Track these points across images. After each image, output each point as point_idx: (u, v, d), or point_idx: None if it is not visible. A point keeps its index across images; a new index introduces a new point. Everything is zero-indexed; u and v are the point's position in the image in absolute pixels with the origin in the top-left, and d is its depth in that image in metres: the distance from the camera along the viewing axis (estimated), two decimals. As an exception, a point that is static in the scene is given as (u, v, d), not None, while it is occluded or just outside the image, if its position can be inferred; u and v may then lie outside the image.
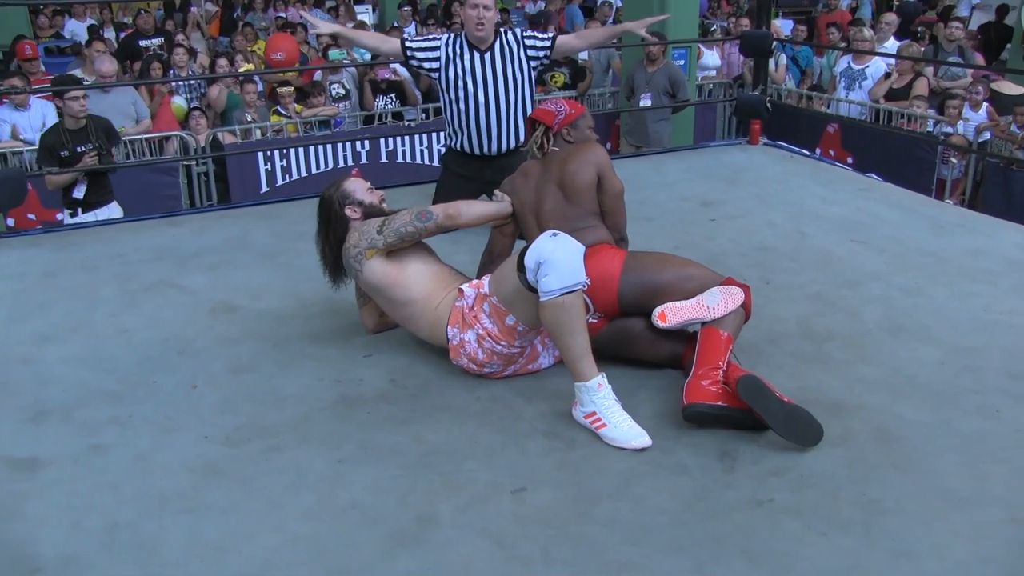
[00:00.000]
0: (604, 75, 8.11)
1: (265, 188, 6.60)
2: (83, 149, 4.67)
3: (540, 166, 2.87)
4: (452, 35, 3.87)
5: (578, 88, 7.74)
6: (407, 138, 6.90)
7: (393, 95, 7.53)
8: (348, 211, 2.78)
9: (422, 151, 7.05)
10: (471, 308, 2.58)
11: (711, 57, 8.00)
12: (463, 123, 3.86)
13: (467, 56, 3.78)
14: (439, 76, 3.84)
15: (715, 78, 8.10)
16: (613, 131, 7.58)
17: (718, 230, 3.93)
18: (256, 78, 7.48)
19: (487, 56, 3.78)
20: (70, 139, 4.66)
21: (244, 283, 3.47)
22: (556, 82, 7.79)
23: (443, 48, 3.80)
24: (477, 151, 3.90)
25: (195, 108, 6.94)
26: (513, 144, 3.89)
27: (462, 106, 3.83)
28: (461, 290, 2.63)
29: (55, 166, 4.61)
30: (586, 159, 2.75)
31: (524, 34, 3.86)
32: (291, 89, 7.20)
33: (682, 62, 7.04)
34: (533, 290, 2.38)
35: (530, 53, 3.83)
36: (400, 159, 7.00)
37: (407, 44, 3.86)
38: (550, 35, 3.88)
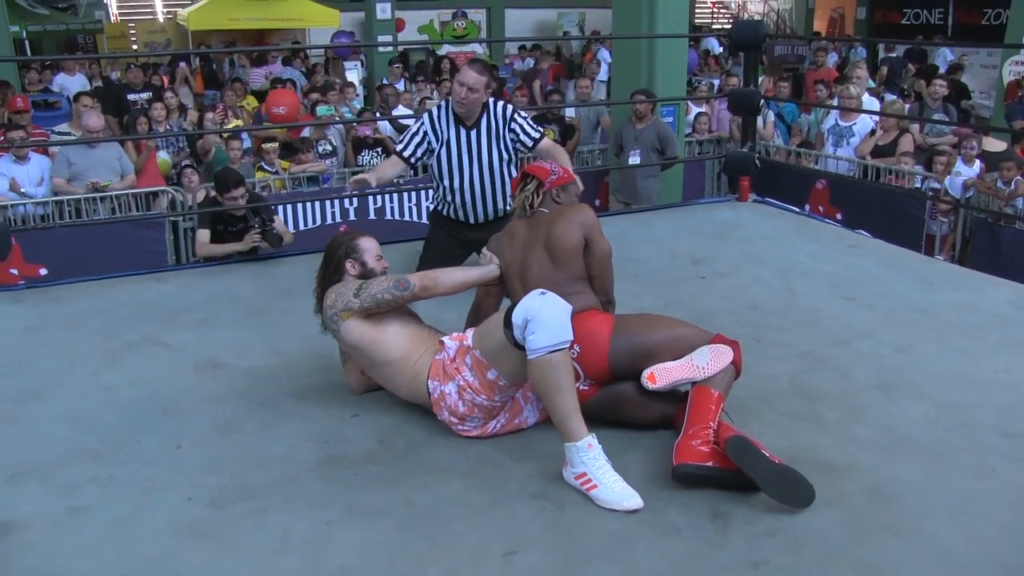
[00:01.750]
0: (593, 132, 8.23)
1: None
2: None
3: (527, 227, 2.89)
4: (436, 108, 3.93)
5: (567, 145, 7.82)
6: (395, 195, 6.94)
7: (380, 150, 7.65)
8: (348, 264, 2.85)
9: (410, 208, 7.10)
10: (452, 360, 2.61)
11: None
12: (449, 196, 3.96)
13: (452, 131, 3.87)
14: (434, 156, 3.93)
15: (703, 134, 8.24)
16: (602, 188, 7.67)
17: (707, 288, 3.96)
18: (243, 136, 7.56)
19: (473, 133, 3.86)
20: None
21: (229, 341, 3.47)
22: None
23: (428, 130, 3.88)
24: (463, 219, 4.00)
25: (187, 165, 6.99)
26: (500, 213, 3.96)
27: (447, 182, 3.93)
28: (442, 342, 2.66)
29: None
30: (573, 220, 2.76)
31: (513, 115, 3.89)
32: (276, 145, 7.31)
33: (670, 119, 7.14)
34: (520, 347, 2.41)
35: (511, 137, 3.89)
36: (389, 215, 7.06)
37: (402, 153, 3.91)
38: (539, 132, 3.92)
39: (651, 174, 6.88)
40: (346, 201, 6.80)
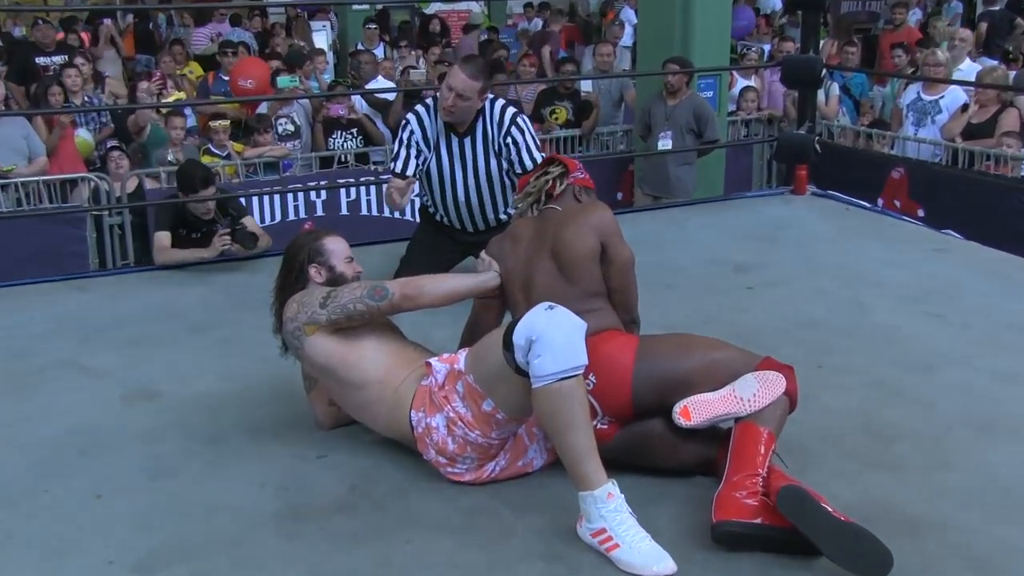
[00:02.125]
0: (615, 110, 8.23)
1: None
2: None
3: (532, 229, 2.91)
4: (422, 109, 4.06)
5: (583, 126, 7.89)
6: (372, 187, 6.97)
7: (354, 131, 7.67)
8: (312, 270, 2.91)
9: None
10: (441, 387, 2.62)
11: None
12: (440, 207, 4.16)
13: (442, 139, 4.02)
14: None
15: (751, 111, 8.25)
16: (625, 178, 7.66)
17: (754, 301, 3.99)
18: (187, 111, 7.54)
19: (467, 141, 4.01)
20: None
21: (168, 363, 3.48)
22: (557, 119, 7.96)
23: (419, 139, 4.01)
24: (457, 228, 4.19)
25: (114, 147, 6.98)
26: (502, 221, 4.09)
27: (437, 196, 4.12)
28: (429, 364, 2.67)
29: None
30: (586, 222, 2.79)
31: (513, 122, 3.97)
32: (227, 123, 7.29)
33: (710, 94, 7.09)
34: (522, 373, 2.42)
35: (505, 150, 3.98)
36: (364, 211, 7.07)
37: (403, 172, 3.98)
38: (539, 158, 3.94)
39: (686, 161, 6.88)
40: (312, 193, 6.85)
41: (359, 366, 2.73)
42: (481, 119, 3.97)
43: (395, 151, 4.05)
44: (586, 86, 8.08)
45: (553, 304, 2.47)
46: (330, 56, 11.19)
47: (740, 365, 2.58)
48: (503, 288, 2.92)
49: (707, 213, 5.22)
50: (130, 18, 12.05)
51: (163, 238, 4.70)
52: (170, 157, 6.94)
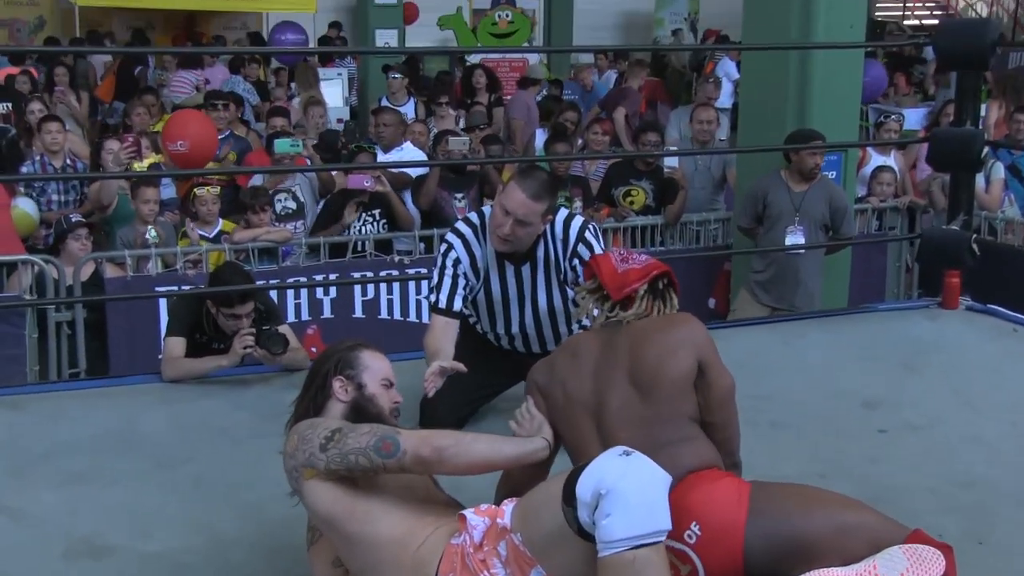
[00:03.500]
0: (715, 193, 8.28)
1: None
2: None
3: (600, 342, 2.98)
4: (468, 230, 4.16)
5: (666, 211, 7.84)
6: (396, 285, 6.93)
7: (377, 212, 7.56)
8: (336, 383, 3.00)
9: (419, 302, 7.04)
10: (478, 547, 2.63)
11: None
12: (486, 328, 4.33)
13: (494, 268, 4.14)
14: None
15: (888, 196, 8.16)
16: (719, 281, 7.65)
17: (890, 448, 3.96)
18: (169, 180, 7.56)
19: (524, 270, 4.13)
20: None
21: (125, 508, 3.46)
22: (633, 203, 7.95)
23: (467, 268, 4.11)
24: (506, 347, 4.37)
25: (79, 223, 6.86)
26: (550, 348, 4.17)
27: (487, 327, 4.31)
28: (463, 517, 2.69)
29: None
30: (677, 338, 2.85)
31: (580, 240, 4.07)
32: (216, 191, 7.19)
33: (833, 174, 7.11)
34: (586, 535, 2.42)
35: (571, 279, 4.07)
36: (384, 313, 7.05)
37: (448, 308, 4.08)
38: None
39: (818, 266, 6.91)
40: (319, 289, 6.78)
41: (369, 520, 2.76)
42: (542, 240, 4.07)
43: (435, 278, 4.12)
44: (669, 163, 8.01)
45: (630, 450, 2.48)
46: (344, 112, 11.26)
47: (883, 533, 2.57)
48: (559, 429, 2.94)
49: (827, 328, 5.19)
50: (111, 59, 12.25)
51: (175, 345, 4.72)
52: (148, 236, 6.87)
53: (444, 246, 4.16)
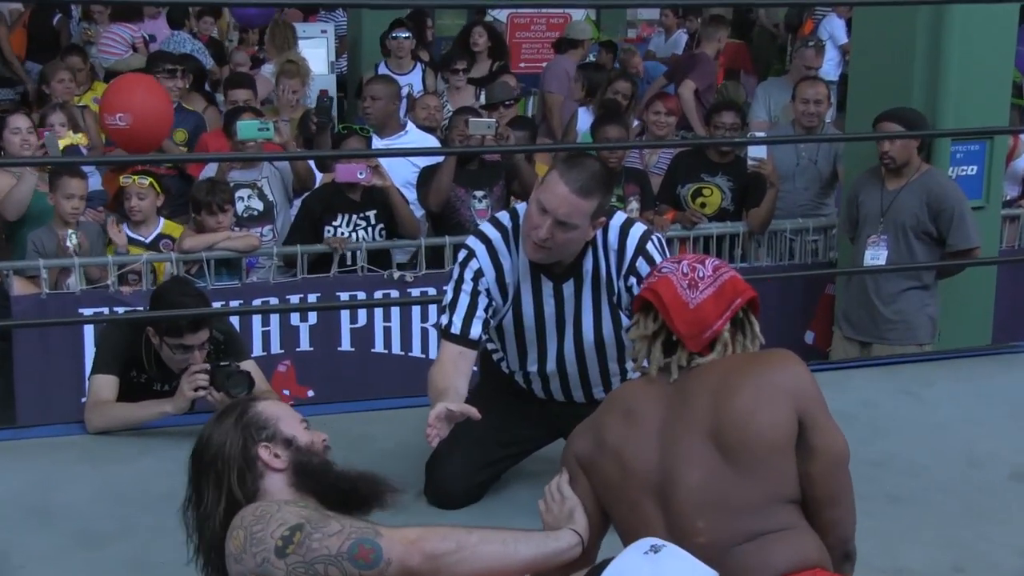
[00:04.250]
0: (823, 194, 8.16)
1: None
2: None
3: (661, 394, 3.00)
4: (496, 234, 4.15)
5: (749, 217, 7.76)
6: (395, 310, 7.10)
7: (371, 214, 7.38)
8: (263, 452, 3.05)
9: (424, 331, 7.09)
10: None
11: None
12: (515, 366, 4.33)
13: (527, 284, 4.13)
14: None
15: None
16: (820, 305, 7.57)
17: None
18: (95, 168, 7.56)
19: (566, 287, 4.12)
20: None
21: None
22: (706, 206, 7.90)
23: (488, 277, 4.10)
24: (541, 396, 4.40)
25: None
26: (597, 396, 4.22)
27: (515, 364, 4.30)
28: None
29: None
30: (770, 383, 2.86)
31: (640, 251, 4.06)
32: (147, 182, 7.12)
33: (973, 170, 6.99)
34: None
35: (626, 302, 4.04)
36: (379, 346, 7.18)
37: (464, 335, 4.05)
38: None
39: (912, 285, 6.76)
40: (294, 315, 6.91)
41: None
42: (591, 251, 4.06)
43: (449, 295, 4.11)
44: (756, 153, 7.72)
45: (659, 543, 2.63)
46: (329, 81, 11.02)
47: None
48: (607, 505, 3.03)
49: (962, 374, 5.30)
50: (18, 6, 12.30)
51: (104, 386, 4.76)
52: (70, 242, 6.80)
53: (464, 253, 4.17)
